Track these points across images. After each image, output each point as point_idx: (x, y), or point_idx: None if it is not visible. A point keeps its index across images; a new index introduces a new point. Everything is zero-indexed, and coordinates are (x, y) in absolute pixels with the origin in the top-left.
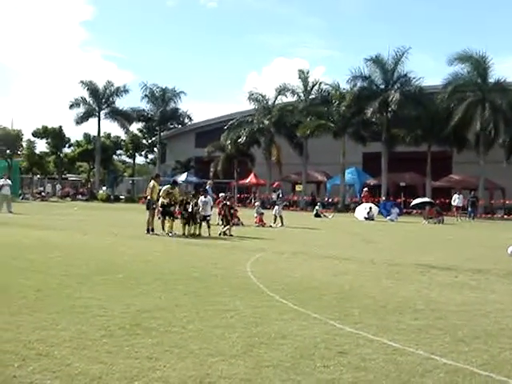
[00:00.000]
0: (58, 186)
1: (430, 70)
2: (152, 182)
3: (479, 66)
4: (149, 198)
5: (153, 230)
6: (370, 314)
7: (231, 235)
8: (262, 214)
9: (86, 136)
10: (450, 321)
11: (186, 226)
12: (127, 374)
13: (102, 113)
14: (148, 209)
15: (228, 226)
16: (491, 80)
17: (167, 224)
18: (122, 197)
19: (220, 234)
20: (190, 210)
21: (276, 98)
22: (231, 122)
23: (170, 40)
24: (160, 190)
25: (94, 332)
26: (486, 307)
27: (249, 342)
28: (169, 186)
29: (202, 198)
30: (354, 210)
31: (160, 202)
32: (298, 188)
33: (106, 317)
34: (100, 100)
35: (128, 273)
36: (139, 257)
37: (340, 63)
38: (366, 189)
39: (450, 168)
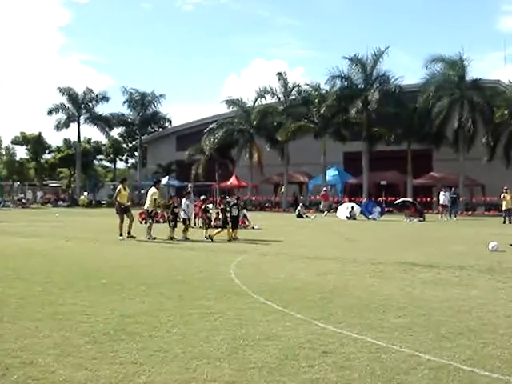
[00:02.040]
0: (39, 193)
1: (409, 68)
2: (119, 186)
3: (456, 65)
4: (116, 202)
5: (121, 234)
6: (353, 313)
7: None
8: (245, 216)
9: (66, 142)
10: (433, 317)
11: (174, 230)
12: (112, 379)
13: (82, 118)
14: (117, 213)
15: (218, 230)
16: (469, 78)
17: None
18: (103, 202)
19: (207, 237)
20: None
21: (256, 101)
22: (212, 124)
23: (148, 43)
24: (148, 195)
25: (77, 338)
26: (469, 303)
27: (233, 344)
28: (154, 188)
29: (184, 200)
30: (335, 209)
31: (148, 207)
32: (282, 189)
33: (89, 323)
34: (79, 106)
35: (111, 278)
36: (122, 262)
37: (319, 64)
38: (324, 188)
39: (430, 166)
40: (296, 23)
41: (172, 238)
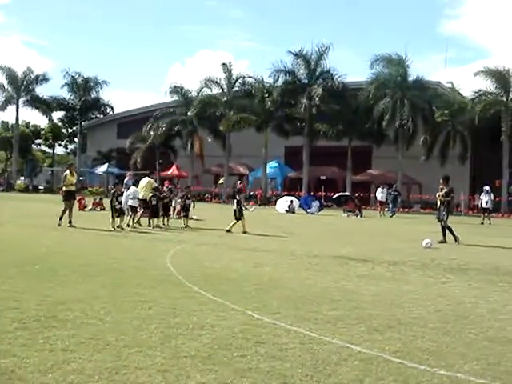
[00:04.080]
0: None
1: (355, 66)
2: (67, 171)
3: (399, 66)
4: (64, 188)
5: (61, 218)
6: (288, 305)
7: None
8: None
9: (4, 124)
10: (366, 311)
11: (118, 219)
12: (41, 366)
13: (21, 100)
14: (64, 200)
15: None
16: (411, 78)
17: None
18: (40, 187)
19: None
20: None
21: (200, 90)
22: (154, 113)
23: (92, 29)
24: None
25: (7, 325)
26: (401, 297)
27: (166, 332)
28: (148, 178)
29: (132, 188)
30: (275, 202)
31: (143, 196)
32: (221, 180)
33: (20, 309)
34: (19, 87)
35: (45, 264)
36: (57, 248)
37: (264, 57)
38: (239, 181)
39: (369, 163)
40: (243, 15)
41: (117, 228)
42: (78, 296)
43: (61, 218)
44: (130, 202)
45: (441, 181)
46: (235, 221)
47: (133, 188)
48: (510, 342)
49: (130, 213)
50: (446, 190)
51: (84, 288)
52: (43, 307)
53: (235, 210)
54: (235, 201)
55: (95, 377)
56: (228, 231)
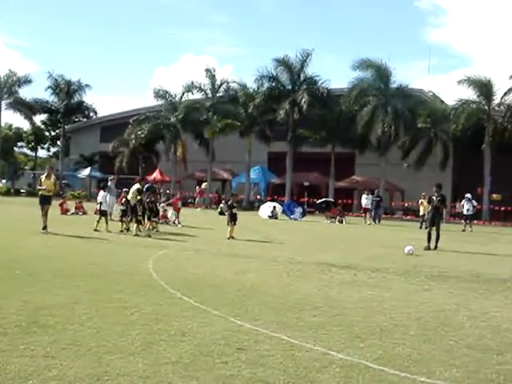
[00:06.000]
0: None
1: (337, 72)
2: (43, 174)
3: (381, 72)
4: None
5: (45, 227)
6: (269, 311)
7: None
8: (166, 210)
9: None
10: (348, 317)
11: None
12: (22, 372)
13: (4, 103)
14: (39, 203)
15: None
16: (393, 85)
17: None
18: (22, 191)
19: (123, 231)
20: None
21: (183, 95)
22: (137, 117)
23: (76, 32)
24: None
25: None
26: (382, 304)
27: (148, 339)
28: (138, 185)
29: (101, 192)
30: (258, 208)
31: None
32: (203, 185)
33: (0, 314)
34: (1, 89)
35: (26, 269)
36: (38, 253)
37: (248, 63)
38: (197, 186)
39: (352, 169)
40: (227, 20)
41: (150, 235)
42: (60, 301)
43: (44, 227)
44: (103, 207)
45: (434, 188)
46: (231, 226)
47: (102, 193)
48: (490, 350)
49: (102, 217)
50: (439, 197)
51: (65, 293)
52: (24, 312)
53: (229, 215)
54: (227, 205)
55: (76, 383)
56: (229, 238)
